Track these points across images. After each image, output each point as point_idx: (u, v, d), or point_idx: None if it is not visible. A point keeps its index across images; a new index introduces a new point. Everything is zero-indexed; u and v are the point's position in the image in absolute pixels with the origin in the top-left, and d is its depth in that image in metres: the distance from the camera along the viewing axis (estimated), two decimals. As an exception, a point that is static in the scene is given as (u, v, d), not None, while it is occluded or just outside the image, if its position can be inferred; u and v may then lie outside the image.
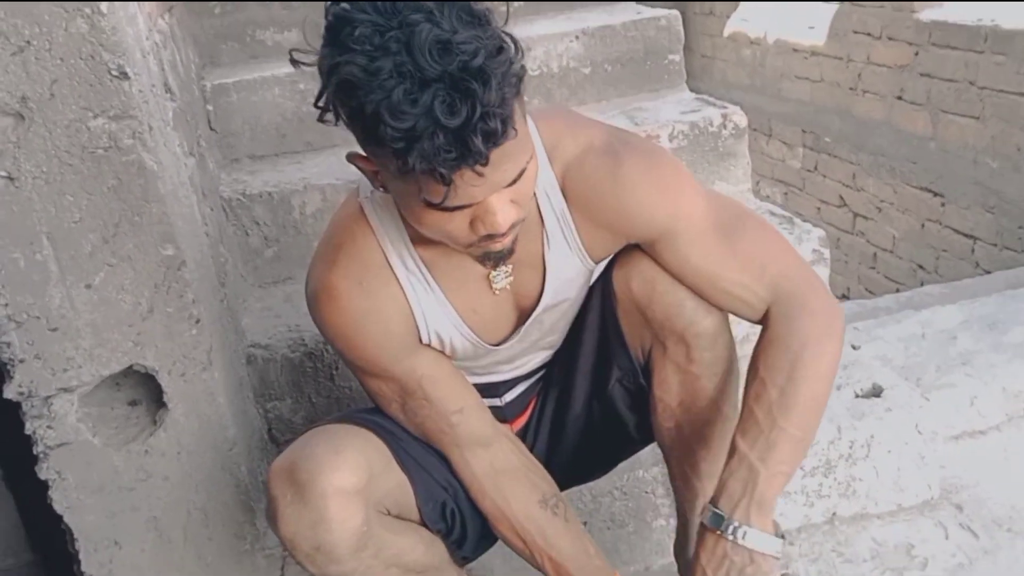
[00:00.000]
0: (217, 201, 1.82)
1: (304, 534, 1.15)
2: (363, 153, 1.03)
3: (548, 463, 1.40)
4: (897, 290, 3.71)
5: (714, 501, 1.19)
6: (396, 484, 1.24)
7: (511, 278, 1.22)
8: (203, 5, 2.23)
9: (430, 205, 0.99)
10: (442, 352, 1.25)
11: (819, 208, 4.39)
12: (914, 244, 3.80)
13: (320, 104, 0.99)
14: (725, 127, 2.12)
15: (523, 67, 0.97)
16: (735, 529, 1.15)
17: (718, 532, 1.16)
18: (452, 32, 0.91)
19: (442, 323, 1.21)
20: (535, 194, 1.15)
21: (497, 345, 1.27)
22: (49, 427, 1.31)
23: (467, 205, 1.00)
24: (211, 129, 2.03)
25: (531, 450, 1.41)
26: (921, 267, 3.76)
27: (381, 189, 1.07)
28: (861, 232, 4.13)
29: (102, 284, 1.27)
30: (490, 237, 1.04)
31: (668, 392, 1.30)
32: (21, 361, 1.27)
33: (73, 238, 1.25)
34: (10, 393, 1.29)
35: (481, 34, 0.92)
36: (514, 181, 1.01)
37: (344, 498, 1.15)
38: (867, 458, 1.70)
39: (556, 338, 1.35)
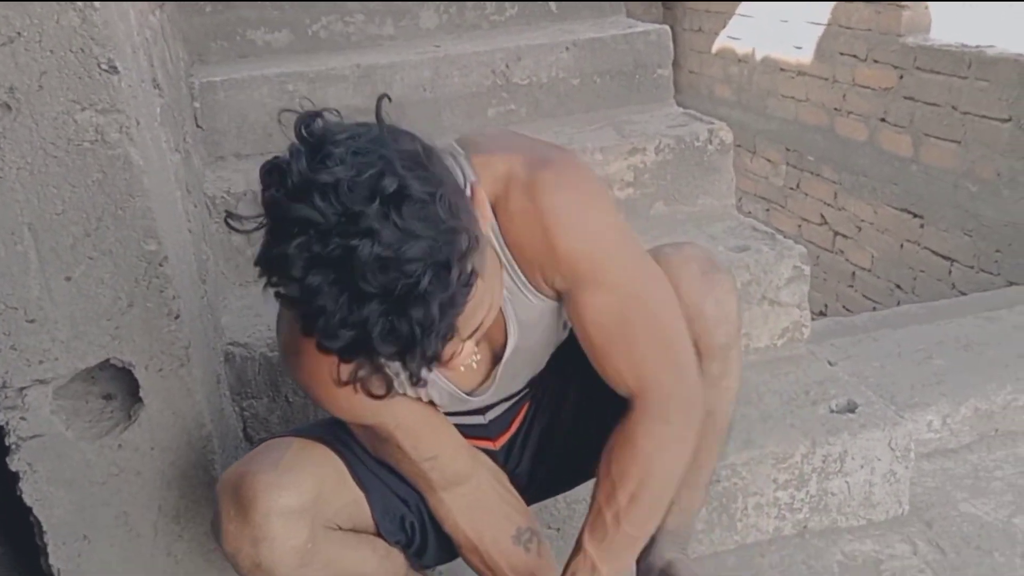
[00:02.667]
0: (201, 198, 1.82)
1: (245, 551, 1.17)
2: None
3: (534, 473, 1.40)
4: (874, 309, 3.74)
5: None
6: (350, 500, 1.25)
7: (477, 356, 1.19)
8: (194, 4, 2.23)
9: None
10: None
11: (800, 226, 4.42)
12: (892, 264, 3.84)
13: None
14: (711, 142, 2.14)
15: (479, 249, 0.92)
16: None
17: None
18: (398, 246, 0.84)
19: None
20: None
21: (472, 393, 1.25)
22: (23, 418, 1.30)
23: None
24: (197, 126, 2.03)
25: (518, 464, 1.40)
26: (899, 287, 3.80)
27: None
28: (841, 250, 4.16)
29: (82, 277, 1.27)
30: None
31: None
32: (-3, 351, 1.26)
33: (55, 230, 1.24)
34: (-16, 383, 1.28)
35: (433, 239, 0.85)
36: (473, 332, 0.99)
37: (286, 518, 1.16)
38: (840, 473, 1.72)
39: (534, 370, 1.32)
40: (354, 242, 0.83)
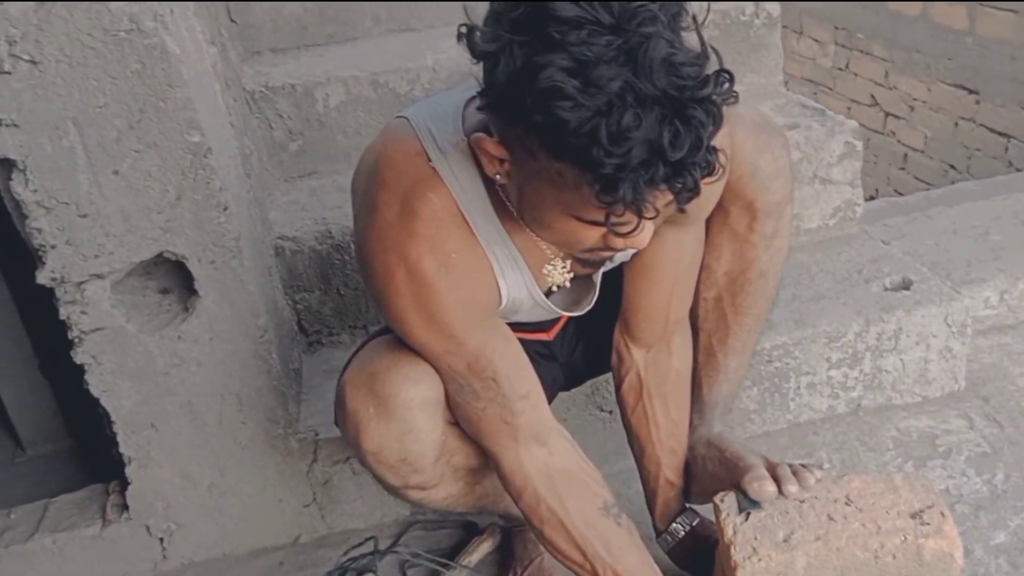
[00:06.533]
0: (240, 93, 1.80)
1: (391, 447, 1.16)
2: (493, 137, 0.94)
3: (589, 354, 1.42)
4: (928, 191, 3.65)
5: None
6: None
7: (570, 274, 1.18)
8: None
9: (590, 223, 0.92)
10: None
11: (849, 108, 4.29)
12: (946, 144, 3.72)
13: (488, 92, 0.89)
14: (757, 16, 2.07)
15: (735, 93, 0.88)
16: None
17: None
18: (676, 50, 0.82)
19: (519, 288, 1.16)
20: None
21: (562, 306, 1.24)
22: (83, 312, 1.33)
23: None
24: (232, 20, 1.99)
25: (573, 350, 1.41)
26: (952, 167, 3.69)
27: (497, 177, 0.98)
28: (892, 132, 4.04)
29: (129, 170, 1.27)
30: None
31: (718, 260, 1.31)
32: (52, 247, 1.28)
33: (99, 123, 1.24)
34: (43, 279, 1.30)
35: (697, 54, 0.84)
36: None
37: (427, 409, 1.15)
38: (894, 350, 1.70)
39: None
40: (645, 33, 0.81)
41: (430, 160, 1.05)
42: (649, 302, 1.29)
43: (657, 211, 0.89)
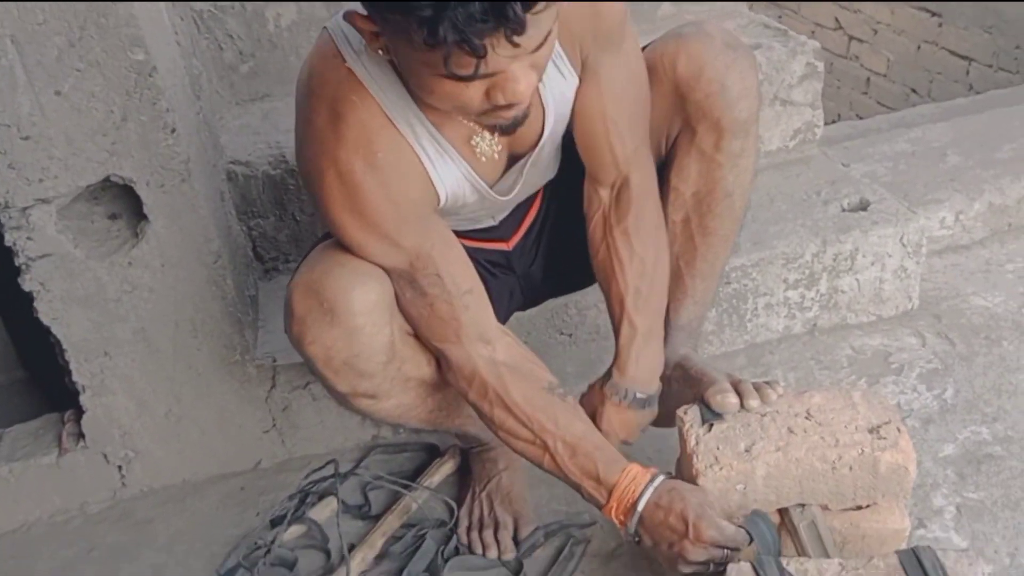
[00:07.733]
0: (187, 12, 1.74)
1: (338, 348, 1.16)
2: (362, 11, 0.95)
3: (548, 269, 1.42)
4: (889, 115, 3.66)
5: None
6: None
7: (499, 145, 1.17)
8: None
9: (450, 76, 0.92)
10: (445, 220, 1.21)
11: (813, 31, 4.25)
12: (908, 67, 3.72)
13: None
14: (720, -68, 2.02)
15: None
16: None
17: None
18: None
19: (456, 179, 1.16)
20: None
21: (494, 188, 1.22)
22: (29, 238, 1.29)
23: (492, 74, 0.94)
24: (177, -66, 1.91)
25: (532, 262, 1.41)
26: (914, 91, 3.70)
27: (380, 52, 0.99)
28: (855, 56, 4.02)
29: (72, 91, 1.23)
30: (506, 106, 0.98)
31: (685, 180, 1.31)
32: (-6, 170, 1.24)
33: (38, 41, 1.19)
34: (-14, 204, 1.26)
35: None
36: (539, 46, 0.94)
37: (375, 311, 1.15)
38: (850, 270, 1.71)
39: (550, 172, 1.31)
40: None
41: (345, 61, 1.06)
42: (590, 143, 1.27)
43: (486, 48, 0.89)
